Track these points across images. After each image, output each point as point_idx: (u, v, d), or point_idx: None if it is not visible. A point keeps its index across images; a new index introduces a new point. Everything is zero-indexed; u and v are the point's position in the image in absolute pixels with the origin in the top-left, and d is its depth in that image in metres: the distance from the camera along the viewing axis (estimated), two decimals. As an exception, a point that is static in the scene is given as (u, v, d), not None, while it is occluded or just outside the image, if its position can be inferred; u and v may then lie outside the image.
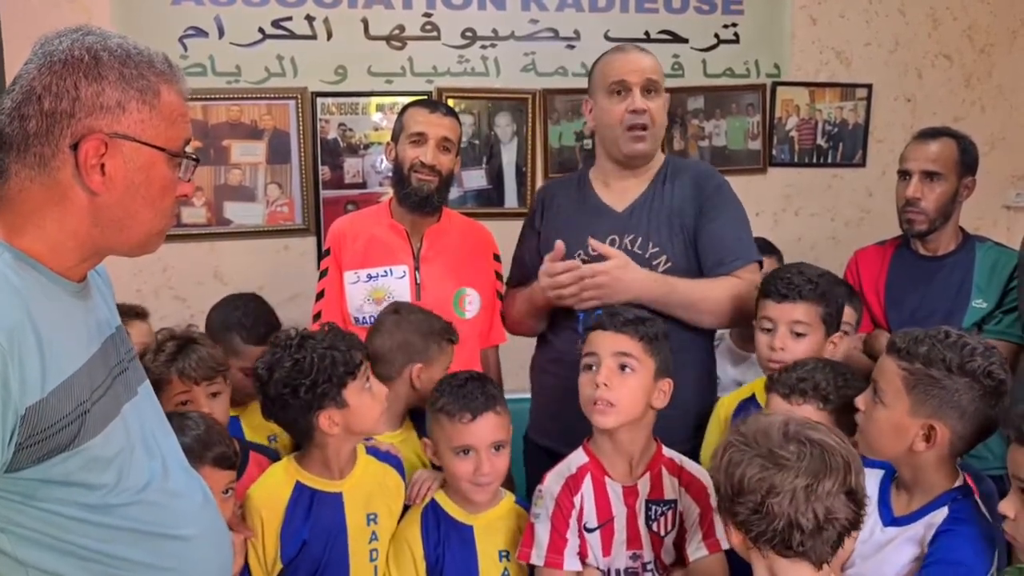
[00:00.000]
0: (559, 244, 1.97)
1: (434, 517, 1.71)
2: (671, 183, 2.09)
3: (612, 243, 2.03)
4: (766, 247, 2.58)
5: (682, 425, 1.95)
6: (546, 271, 1.97)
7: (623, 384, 1.64)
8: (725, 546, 1.63)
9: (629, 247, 2.03)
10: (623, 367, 1.65)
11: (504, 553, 1.71)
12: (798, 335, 1.83)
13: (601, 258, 1.96)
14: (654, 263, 2.02)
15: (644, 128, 2.05)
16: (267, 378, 1.63)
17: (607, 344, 1.66)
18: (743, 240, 2.08)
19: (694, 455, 1.86)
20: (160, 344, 1.84)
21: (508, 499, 1.77)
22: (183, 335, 1.87)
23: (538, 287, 2.01)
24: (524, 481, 2.12)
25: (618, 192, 2.12)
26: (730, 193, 2.12)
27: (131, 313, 2.14)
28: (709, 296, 1.99)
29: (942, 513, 1.46)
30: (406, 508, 1.78)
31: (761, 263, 2.11)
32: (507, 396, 1.88)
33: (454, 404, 1.67)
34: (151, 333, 2.13)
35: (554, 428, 2.08)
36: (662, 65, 2.13)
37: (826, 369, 1.72)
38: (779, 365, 1.81)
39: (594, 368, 1.66)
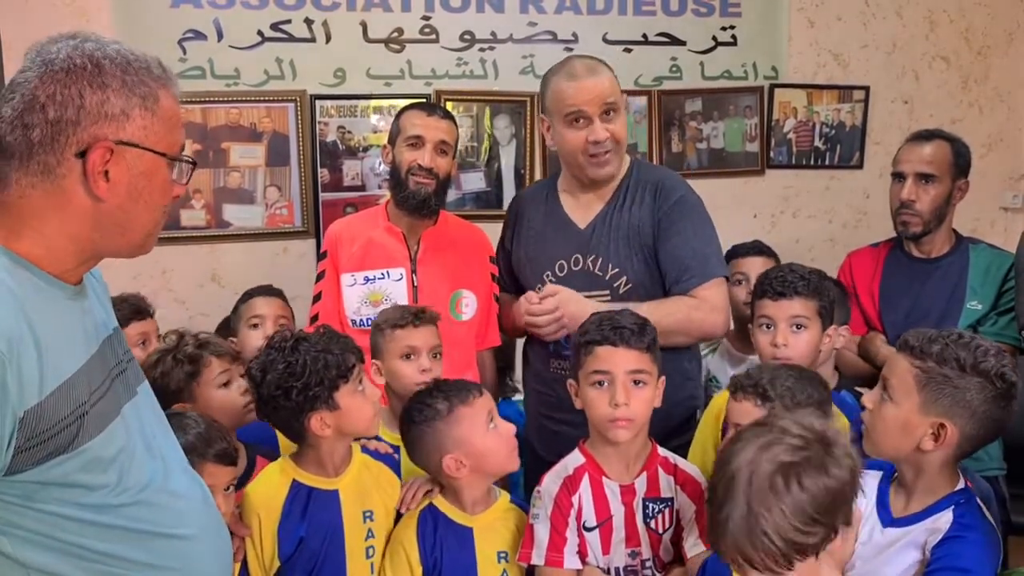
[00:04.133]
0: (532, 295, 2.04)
1: (431, 520, 1.71)
2: (631, 197, 2.09)
3: (576, 262, 2.08)
4: (761, 249, 2.59)
5: (666, 424, 1.95)
6: (524, 310, 2.04)
7: (638, 398, 1.66)
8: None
9: (591, 268, 2.07)
10: (637, 382, 1.66)
11: (503, 554, 1.71)
12: (798, 329, 1.89)
13: (569, 277, 2.05)
14: (615, 284, 2.05)
15: (608, 152, 2.05)
16: (260, 379, 1.64)
17: (620, 362, 1.66)
18: (700, 256, 2.02)
19: (677, 451, 1.86)
20: (179, 341, 1.91)
21: (504, 498, 1.78)
22: (195, 335, 1.95)
23: (518, 316, 2.09)
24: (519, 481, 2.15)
25: (583, 204, 2.14)
26: (691, 206, 2.07)
27: (137, 311, 2.28)
28: (660, 323, 1.86)
29: (945, 517, 1.46)
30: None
31: (727, 277, 2.08)
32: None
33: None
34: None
35: (544, 441, 2.12)
36: (616, 79, 2.07)
37: (783, 371, 1.70)
38: (782, 361, 1.86)
39: (606, 385, 1.66)
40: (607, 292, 2.04)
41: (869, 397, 1.55)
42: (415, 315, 1.95)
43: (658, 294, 2.03)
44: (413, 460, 1.73)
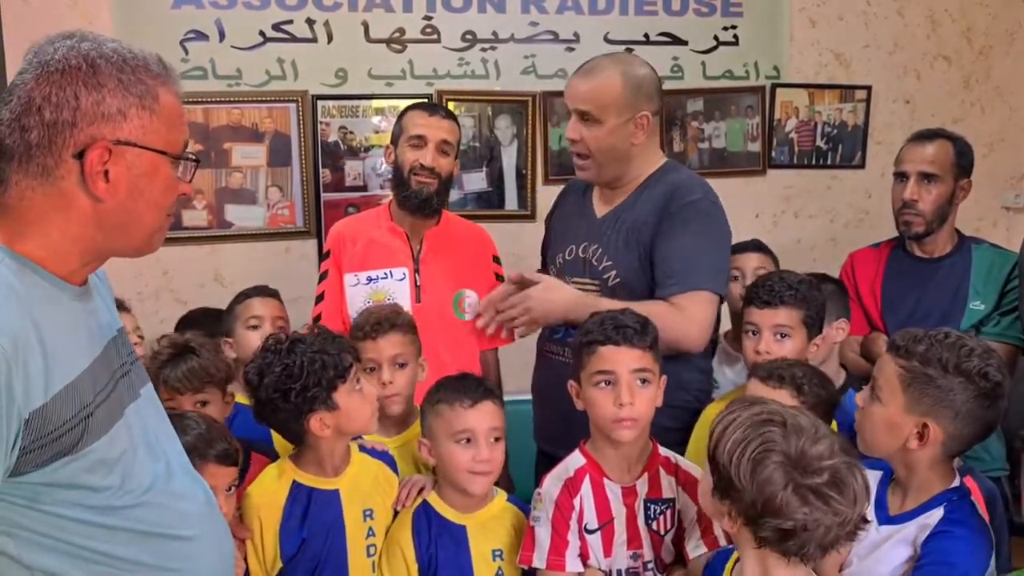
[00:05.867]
0: (515, 274, 2.06)
1: (425, 518, 1.72)
2: (646, 195, 2.03)
3: (584, 250, 2.07)
4: (757, 246, 2.58)
5: (676, 427, 1.96)
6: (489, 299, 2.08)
7: (643, 397, 1.65)
8: (724, 543, 1.64)
9: (591, 257, 2.06)
10: (642, 380, 1.66)
11: (498, 552, 1.72)
12: (781, 337, 1.92)
13: (573, 262, 2.05)
14: (604, 276, 2.03)
15: (580, 156, 2.03)
16: (258, 383, 1.64)
17: (624, 361, 1.65)
18: (690, 265, 1.92)
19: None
20: (156, 352, 1.88)
21: (500, 497, 1.78)
22: (181, 344, 1.90)
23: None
24: (529, 483, 2.14)
25: (607, 197, 2.12)
26: (700, 212, 1.96)
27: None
28: None
29: (936, 514, 1.47)
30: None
31: (718, 293, 1.98)
32: (507, 397, 1.89)
33: (453, 394, 1.70)
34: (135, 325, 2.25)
35: (549, 430, 2.12)
36: (613, 88, 1.96)
37: (804, 367, 1.81)
38: None
39: (610, 385, 1.66)
40: (597, 283, 2.03)
41: (860, 396, 1.57)
42: (373, 326, 1.92)
43: (644, 294, 1.95)
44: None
